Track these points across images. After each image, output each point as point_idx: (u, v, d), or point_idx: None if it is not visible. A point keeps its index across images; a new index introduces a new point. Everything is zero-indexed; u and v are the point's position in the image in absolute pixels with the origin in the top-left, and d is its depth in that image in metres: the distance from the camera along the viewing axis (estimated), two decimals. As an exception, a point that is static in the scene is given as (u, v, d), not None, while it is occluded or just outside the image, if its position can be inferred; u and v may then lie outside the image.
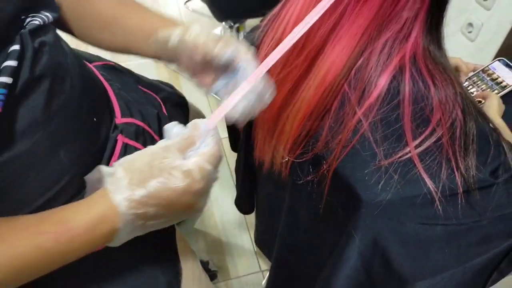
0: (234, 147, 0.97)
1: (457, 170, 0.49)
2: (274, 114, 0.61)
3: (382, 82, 0.49)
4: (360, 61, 0.50)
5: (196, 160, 0.43)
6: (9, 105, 0.44)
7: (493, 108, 0.73)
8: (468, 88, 0.84)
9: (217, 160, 0.44)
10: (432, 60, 0.50)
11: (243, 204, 0.96)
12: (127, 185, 0.41)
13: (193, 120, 0.45)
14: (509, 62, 0.84)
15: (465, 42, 1.33)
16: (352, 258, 0.56)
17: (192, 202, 0.43)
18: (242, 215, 1.38)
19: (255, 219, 0.97)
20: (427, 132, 0.49)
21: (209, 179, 0.44)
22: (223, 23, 1.77)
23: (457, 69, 0.87)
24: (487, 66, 0.86)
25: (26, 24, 0.47)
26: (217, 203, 1.43)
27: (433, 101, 0.49)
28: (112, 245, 0.45)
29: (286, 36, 0.56)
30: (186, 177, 0.41)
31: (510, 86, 0.81)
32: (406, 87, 0.48)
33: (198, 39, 0.49)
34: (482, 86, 0.83)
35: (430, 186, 0.49)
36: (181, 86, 1.82)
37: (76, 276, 0.57)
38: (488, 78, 0.84)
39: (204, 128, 0.44)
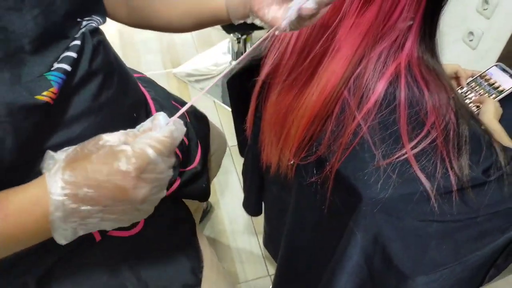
0: (242, 152, 1.01)
1: (451, 169, 0.53)
2: (280, 119, 0.65)
3: (379, 89, 0.53)
4: (358, 70, 0.54)
5: (137, 142, 0.40)
6: (67, 92, 0.50)
7: (490, 112, 0.76)
8: (467, 94, 0.88)
9: (164, 147, 0.40)
10: (426, 67, 0.53)
11: (251, 206, 0.99)
12: (61, 166, 0.40)
13: (155, 114, 0.42)
14: (505, 67, 0.87)
15: (467, 50, 1.37)
16: (355, 255, 0.59)
17: (124, 186, 0.39)
18: (250, 220, 1.42)
19: (263, 222, 1.01)
20: (422, 134, 0.53)
21: (149, 163, 0.39)
22: (231, 34, 1.83)
23: (456, 75, 0.90)
24: (484, 71, 0.89)
25: (83, 27, 0.53)
26: (226, 209, 1.47)
27: (427, 105, 0.52)
28: (56, 237, 0.42)
29: (291, 46, 0.61)
30: (115, 155, 0.39)
31: (507, 90, 0.84)
32: (402, 92, 0.52)
33: None
34: (480, 91, 0.87)
35: (426, 185, 0.53)
36: (190, 96, 1.88)
37: (113, 258, 0.63)
38: (485, 83, 0.87)
39: (163, 120, 0.41)
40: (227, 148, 1.66)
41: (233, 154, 1.64)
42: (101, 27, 0.60)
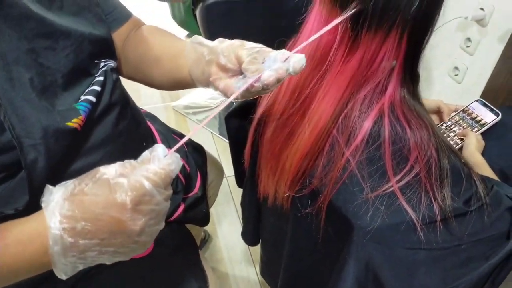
0: (239, 183, 1.05)
1: (434, 200, 0.57)
2: (276, 155, 0.70)
3: (365, 127, 0.57)
4: (345, 111, 0.59)
5: (133, 174, 0.40)
6: (91, 122, 0.57)
7: (472, 145, 0.81)
8: (451, 127, 0.93)
9: (160, 179, 0.40)
10: (408, 107, 0.59)
11: (249, 236, 1.02)
12: (59, 201, 0.40)
13: (154, 145, 0.43)
14: (486, 102, 0.93)
15: (453, 84, 1.44)
16: (349, 282, 0.62)
17: (120, 218, 0.40)
18: (247, 249, 1.44)
19: (260, 251, 1.03)
20: (406, 169, 0.57)
21: (145, 194, 0.40)
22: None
23: (439, 110, 0.96)
24: (467, 106, 0.95)
25: (103, 67, 0.60)
26: (224, 238, 1.49)
27: (410, 142, 0.57)
28: (56, 272, 0.42)
29: (284, 89, 0.66)
30: (110, 188, 0.39)
31: (488, 124, 0.90)
32: (386, 131, 0.57)
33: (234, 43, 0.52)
34: (463, 125, 0.92)
35: (412, 215, 0.57)
36: (189, 129, 1.93)
37: (129, 278, 0.67)
38: (468, 117, 0.93)
39: (161, 152, 0.42)
40: (225, 178, 1.71)
41: (231, 184, 1.67)
42: None
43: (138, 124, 0.71)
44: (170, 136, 0.87)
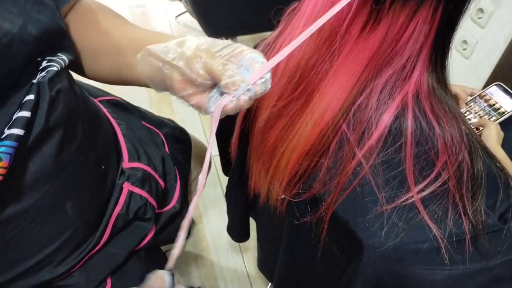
0: (225, 171, 0.93)
1: (464, 215, 0.46)
2: (269, 149, 0.58)
3: (384, 123, 0.46)
4: (359, 100, 0.47)
5: None
6: (19, 157, 0.42)
7: (493, 138, 0.70)
8: (466, 115, 0.82)
9: None
10: (437, 99, 0.47)
11: (235, 232, 0.92)
12: None
13: (156, 272, 0.37)
14: (506, 87, 0.82)
15: (460, 59, 1.32)
16: (353, 305, 0.52)
17: None
18: (235, 237, 1.35)
19: (256, 245, 0.93)
20: (432, 176, 0.46)
21: None
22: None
23: (455, 97, 0.84)
24: (484, 91, 0.83)
25: (42, 69, 0.45)
26: (209, 225, 1.39)
27: (438, 143, 0.46)
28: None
29: (281, 69, 0.53)
30: None
31: (509, 112, 0.79)
32: (409, 128, 0.45)
33: (199, 53, 0.43)
34: (480, 112, 0.81)
35: (436, 233, 0.46)
36: (172, 102, 1.79)
37: None
38: (485, 104, 0.82)
39: (168, 282, 0.37)
40: (211, 159, 1.59)
41: (218, 164, 1.56)
42: None
43: (94, 143, 0.56)
44: (142, 134, 0.72)
